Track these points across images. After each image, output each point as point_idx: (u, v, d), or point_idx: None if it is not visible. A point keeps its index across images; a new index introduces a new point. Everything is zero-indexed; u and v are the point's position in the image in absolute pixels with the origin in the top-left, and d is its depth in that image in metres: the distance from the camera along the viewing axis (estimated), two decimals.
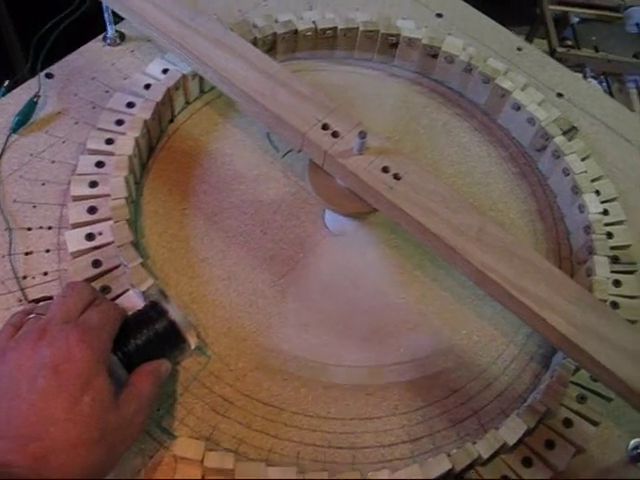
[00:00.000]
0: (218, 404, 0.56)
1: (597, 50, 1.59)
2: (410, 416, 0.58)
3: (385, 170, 0.59)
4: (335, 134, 0.61)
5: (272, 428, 0.56)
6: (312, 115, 0.61)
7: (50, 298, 0.59)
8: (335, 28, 0.77)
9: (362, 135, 0.58)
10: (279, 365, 0.59)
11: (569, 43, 1.62)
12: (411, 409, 0.59)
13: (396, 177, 0.59)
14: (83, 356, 0.47)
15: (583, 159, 0.72)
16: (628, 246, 0.67)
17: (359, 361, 0.60)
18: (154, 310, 0.54)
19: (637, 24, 1.60)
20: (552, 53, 1.49)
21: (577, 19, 1.63)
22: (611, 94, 1.56)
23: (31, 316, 0.51)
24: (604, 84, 1.60)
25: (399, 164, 0.60)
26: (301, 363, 0.60)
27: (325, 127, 0.61)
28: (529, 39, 1.60)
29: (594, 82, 1.56)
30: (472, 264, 0.55)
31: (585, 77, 1.51)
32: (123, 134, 0.65)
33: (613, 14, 1.64)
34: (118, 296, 0.58)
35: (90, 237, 0.60)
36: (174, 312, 0.54)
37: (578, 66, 1.53)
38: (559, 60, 0.87)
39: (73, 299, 0.51)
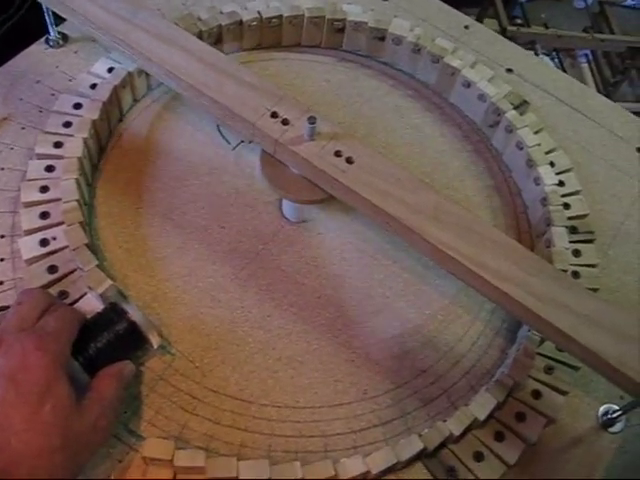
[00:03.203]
0: (186, 402, 0.56)
1: (547, 27, 1.61)
2: (380, 400, 0.58)
3: (337, 154, 0.59)
4: (285, 122, 0.60)
5: (241, 422, 0.55)
6: (260, 104, 0.61)
7: (7, 308, 0.57)
8: (280, 16, 0.76)
9: (312, 120, 0.58)
10: (244, 358, 0.59)
11: (519, 22, 1.63)
12: (380, 392, 0.59)
13: (349, 161, 0.59)
14: (40, 364, 0.46)
15: (536, 132, 0.72)
16: (585, 215, 0.68)
17: (325, 347, 0.60)
18: (114, 312, 0.53)
19: None
20: (503, 32, 1.50)
21: None
22: (564, 70, 1.58)
23: None
24: (556, 60, 1.62)
25: (351, 148, 0.59)
26: (267, 354, 0.59)
27: (274, 115, 0.60)
28: (479, 20, 1.61)
29: (546, 59, 1.58)
30: (430, 243, 0.55)
31: (537, 54, 1.52)
32: (71, 136, 0.64)
33: None
34: (76, 300, 0.57)
35: (44, 243, 0.58)
36: (134, 312, 0.53)
37: (529, 43, 1.54)
38: (510, 39, 0.87)
39: (27, 306, 0.50)
